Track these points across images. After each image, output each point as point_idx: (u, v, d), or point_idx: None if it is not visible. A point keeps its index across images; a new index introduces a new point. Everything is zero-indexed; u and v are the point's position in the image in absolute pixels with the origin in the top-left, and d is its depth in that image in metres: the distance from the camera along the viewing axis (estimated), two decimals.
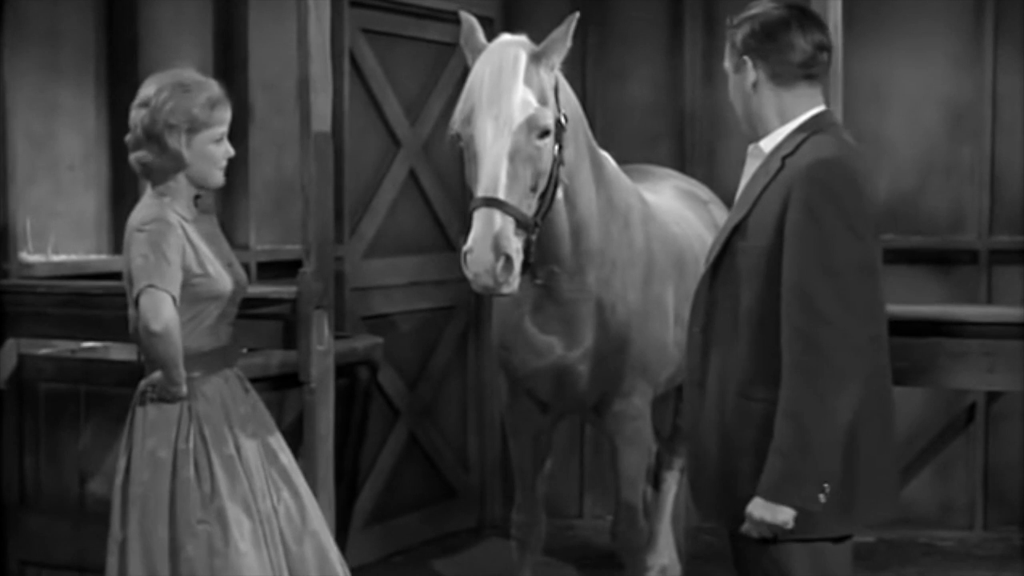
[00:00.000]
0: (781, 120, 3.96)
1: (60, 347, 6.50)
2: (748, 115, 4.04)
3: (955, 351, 4.92)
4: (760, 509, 3.75)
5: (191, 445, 4.68)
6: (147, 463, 4.69)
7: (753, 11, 4.02)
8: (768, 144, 3.97)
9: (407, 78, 7.75)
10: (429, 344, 7.97)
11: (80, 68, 6.84)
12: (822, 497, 3.71)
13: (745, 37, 3.98)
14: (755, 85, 3.98)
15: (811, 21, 3.98)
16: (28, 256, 6.49)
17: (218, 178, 4.79)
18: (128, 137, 4.79)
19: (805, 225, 3.75)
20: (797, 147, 3.87)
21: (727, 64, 4.07)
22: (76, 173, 6.81)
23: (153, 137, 4.68)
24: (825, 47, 3.98)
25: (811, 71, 3.96)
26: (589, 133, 5.32)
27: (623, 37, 8.49)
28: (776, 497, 3.73)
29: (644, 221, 5.54)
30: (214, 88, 4.80)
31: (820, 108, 3.98)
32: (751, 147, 4.03)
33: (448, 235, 7.91)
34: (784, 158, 3.87)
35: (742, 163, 4.07)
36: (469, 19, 5.04)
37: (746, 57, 3.98)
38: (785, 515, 3.73)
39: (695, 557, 7.01)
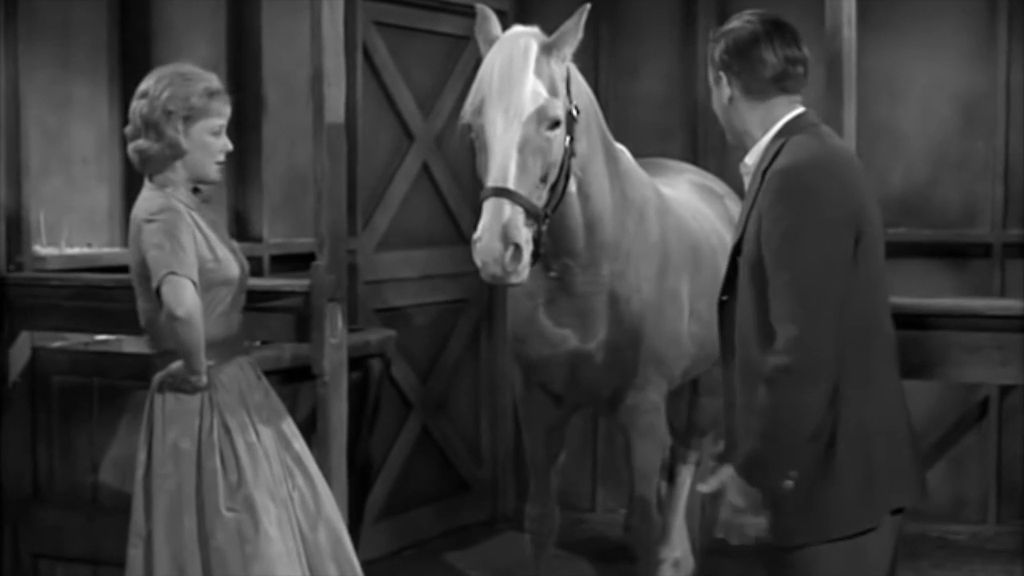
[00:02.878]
0: (763, 130, 4.00)
1: (73, 340, 6.50)
2: (730, 128, 4.09)
3: (968, 344, 4.91)
4: (730, 483, 3.83)
5: (215, 436, 4.70)
6: (169, 455, 4.70)
7: (729, 26, 4.06)
8: (752, 159, 4.02)
9: (420, 71, 7.75)
10: (442, 337, 7.97)
11: (93, 62, 6.85)
12: (788, 484, 3.76)
13: (720, 53, 4.02)
14: (731, 100, 4.03)
15: (784, 35, 4.00)
16: (41, 249, 6.50)
17: (213, 172, 4.82)
18: (127, 128, 4.82)
19: (769, 234, 3.79)
20: (773, 158, 3.91)
21: (710, 78, 4.12)
22: (89, 167, 6.83)
23: (151, 125, 4.71)
24: (799, 60, 4.00)
25: (784, 84, 3.99)
26: (604, 126, 5.31)
27: (636, 30, 8.49)
28: (746, 476, 3.78)
29: (659, 214, 5.54)
30: (213, 80, 4.83)
31: (795, 112, 4.00)
32: (741, 166, 4.08)
33: (461, 228, 7.91)
34: (764, 172, 3.91)
35: None
36: (483, 9, 5.05)
37: (722, 73, 4.03)
38: (748, 497, 3.80)
39: (709, 551, 7.00)
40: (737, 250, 3.97)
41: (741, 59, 3.97)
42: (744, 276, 3.91)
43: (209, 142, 4.76)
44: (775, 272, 3.77)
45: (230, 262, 4.80)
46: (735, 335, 3.97)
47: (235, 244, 4.96)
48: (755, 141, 4.01)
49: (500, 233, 4.62)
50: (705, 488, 3.89)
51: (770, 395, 3.73)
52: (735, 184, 6.60)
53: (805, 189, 3.78)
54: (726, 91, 4.02)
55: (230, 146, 4.83)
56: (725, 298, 4.03)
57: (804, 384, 3.71)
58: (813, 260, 3.74)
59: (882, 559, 3.92)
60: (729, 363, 4.02)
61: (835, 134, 4.10)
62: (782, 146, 3.91)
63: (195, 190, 4.85)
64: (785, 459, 3.76)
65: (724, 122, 4.10)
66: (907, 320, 4.39)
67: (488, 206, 4.67)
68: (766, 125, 3.99)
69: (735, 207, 6.34)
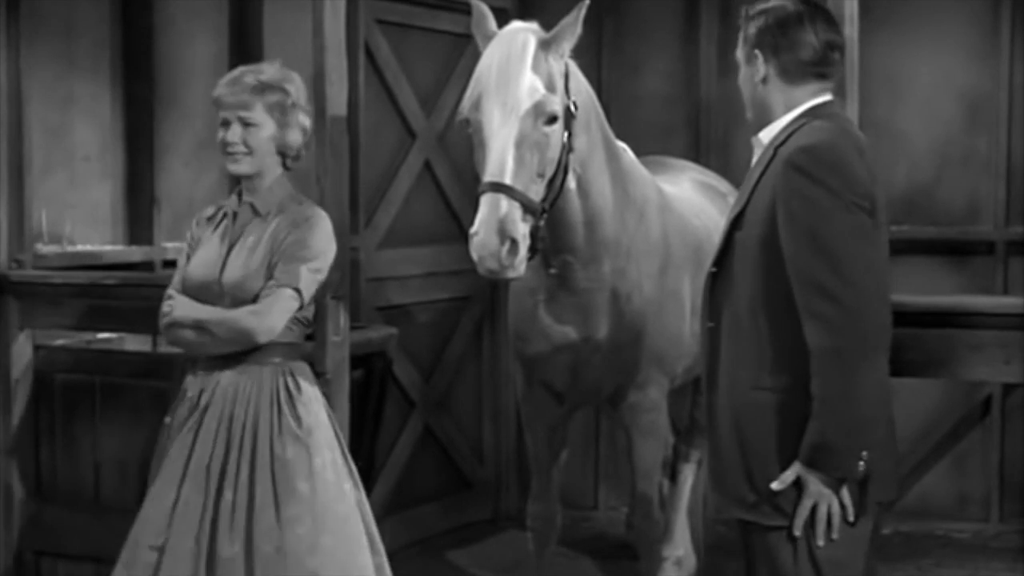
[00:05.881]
0: (786, 111, 4.01)
1: (75, 338, 6.50)
2: (755, 106, 4.08)
3: (971, 343, 4.89)
4: (803, 474, 3.81)
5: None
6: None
7: (768, 5, 4.04)
8: (767, 135, 4.02)
9: (422, 69, 7.75)
10: (444, 335, 7.97)
11: (95, 60, 6.86)
12: (861, 465, 3.76)
13: (758, 31, 4.00)
14: (764, 79, 4.01)
15: (824, 19, 4.01)
16: (43, 247, 6.50)
17: (227, 165, 4.84)
18: None
19: (793, 211, 3.79)
20: (788, 136, 3.92)
21: (739, 54, 4.10)
22: (91, 164, 6.83)
23: None
24: (837, 46, 4.02)
25: (821, 69, 4.00)
26: (605, 124, 5.31)
27: (638, 28, 8.48)
28: (814, 465, 3.77)
29: (661, 212, 5.54)
30: (226, 76, 4.88)
31: (823, 99, 4.00)
32: (753, 139, 4.08)
33: (463, 226, 7.86)
34: (776, 148, 3.92)
35: None
36: (480, 6, 5.05)
37: (757, 51, 4.01)
38: (827, 485, 3.79)
39: (711, 548, 7.00)
40: (735, 224, 3.96)
41: (782, 38, 3.96)
42: (745, 253, 3.90)
43: (219, 136, 4.81)
44: (804, 254, 3.75)
45: (199, 266, 4.80)
46: (723, 310, 3.97)
47: (252, 259, 4.79)
48: (773, 121, 4.01)
49: (497, 228, 4.63)
50: (777, 486, 3.86)
51: (823, 382, 3.72)
52: (738, 182, 6.60)
53: (830, 167, 3.78)
54: (761, 70, 4.00)
55: (226, 136, 4.77)
56: (715, 270, 4.02)
57: (857, 363, 3.70)
58: (847, 235, 3.74)
59: (861, 546, 3.92)
60: (714, 337, 4.01)
61: (849, 123, 4.10)
62: (800, 127, 3.91)
63: (240, 193, 4.88)
64: (853, 443, 3.75)
65: (750, 100, 4.09)
66: (910, 317, 4.37)
67: (485, 201, 4.68)
68: (790, 107, 3.99)
69: None
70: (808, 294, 3.75)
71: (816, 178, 3.76)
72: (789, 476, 3.82)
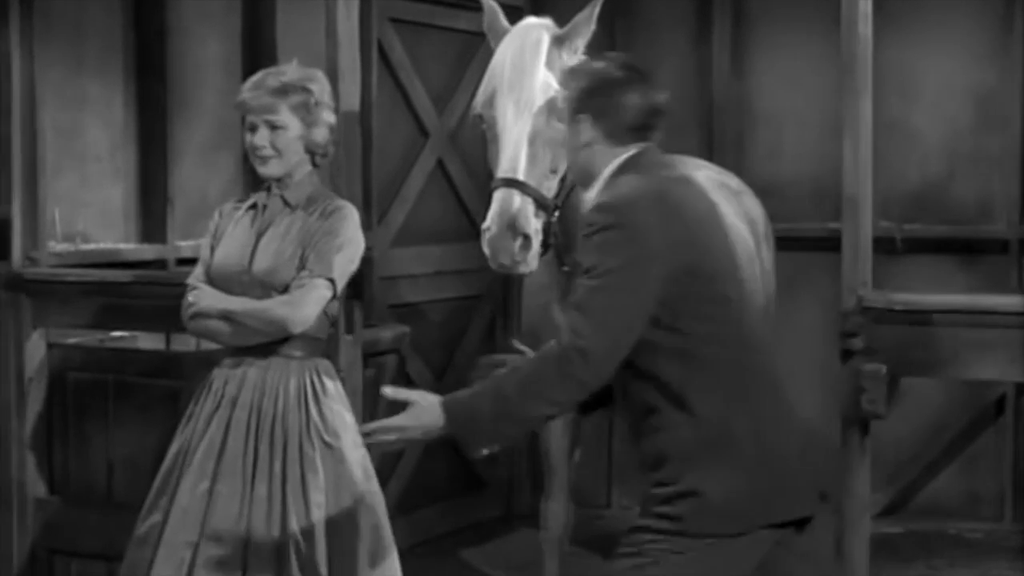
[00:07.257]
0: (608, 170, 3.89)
1: (89, 336, 6.52)
2: (578, 169, 3.95)
3: (983, 341, 4.89)
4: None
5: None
6: None
7: (591, 67, 3.95)
8: (591, 195, 3.88)
9: (435, 68, 7.76)
10: (456, 333, 7.97)
11: (107, 60, 6.87)
12: (484, 453, 3.86)
13: (583, 93, 3.88)
14: (589, 143, 3.86)
15: (648, 83, 3.94)
16: (56, 245, 6.51)
17: (257, 167, 4.85)
18: None
19: (581, 259, 3.74)
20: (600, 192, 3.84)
21: (562, 111, 3.97)
22: (103, 164, 6.84)
23: None
24: (661, 111, 3.93)
25: (646, 133, 3.90)
26: None
27: (651, 27, 8.48)
28: (449, 415, 3.93)
29: None
30: (249, 80, 4.90)
31: (632, 152, 3.87)
32: (582, 203, 4.02)
33: (475, 224, 7.85)
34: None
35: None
36: (491, 4, 5.07)
37: (581, 115, 3.86)
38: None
39: None
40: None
41: (608, 102, 3.86)
42: None
43: (247, 141, 4.84)
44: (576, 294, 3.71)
45: (226, 256, 4.84)
46: None
47: (277, 250, 4.79)
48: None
49: (509, 223, 4.67)
50: (388, 393, 3.90)
51: (522, 372, 3.79)
52: (749, 180, 6.61)
53: (615, 219, 3.67)
54: (585, 134, 3.86)
55: (254, 140, 4.78)
56: None
57: (540, 390, 3.74)
58: (606, 294, 3.65)
59: (737, 568, 3.86)
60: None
61: (681, 167, 4.05)
62: (609, 183, 3.82)
63: (269, 187, 4.88)
64: (496, 428, 3.83)
65: (573, 163, 3.96)
66: (915, 317, 4.36)
67: (498, 196, 4.72)
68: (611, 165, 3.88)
69: (752, 203, 6.39)
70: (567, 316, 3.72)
71: (599, 230, 3.67)
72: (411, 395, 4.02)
